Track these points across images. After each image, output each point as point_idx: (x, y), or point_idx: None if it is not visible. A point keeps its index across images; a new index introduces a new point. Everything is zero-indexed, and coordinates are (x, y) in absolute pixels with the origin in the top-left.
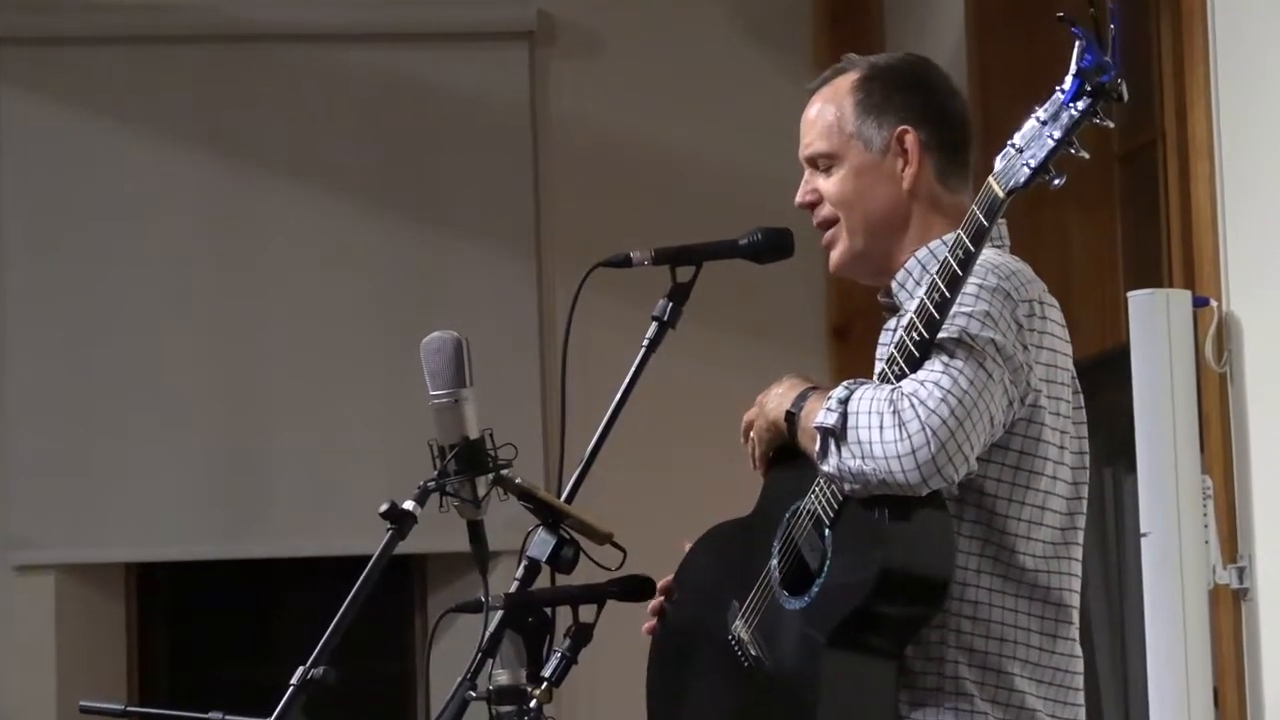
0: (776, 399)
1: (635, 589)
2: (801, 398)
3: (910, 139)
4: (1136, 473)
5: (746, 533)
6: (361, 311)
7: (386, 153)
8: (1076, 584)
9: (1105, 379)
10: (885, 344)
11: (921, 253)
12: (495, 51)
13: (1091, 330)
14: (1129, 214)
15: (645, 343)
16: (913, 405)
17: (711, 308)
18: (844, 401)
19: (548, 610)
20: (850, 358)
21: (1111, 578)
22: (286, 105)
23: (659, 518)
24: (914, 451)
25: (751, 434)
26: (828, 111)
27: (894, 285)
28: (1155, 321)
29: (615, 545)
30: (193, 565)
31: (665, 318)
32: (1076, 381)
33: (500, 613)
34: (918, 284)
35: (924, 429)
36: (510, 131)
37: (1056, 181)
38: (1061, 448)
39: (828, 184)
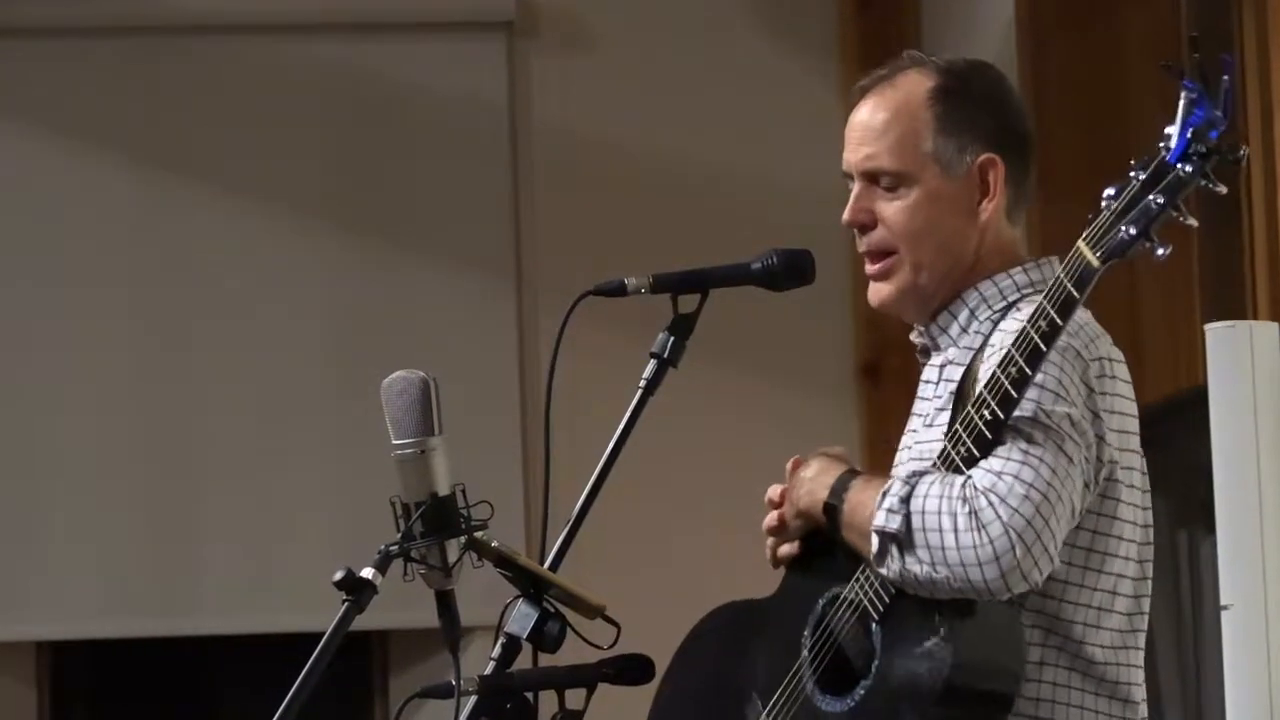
0: (807, 485)
1: (631, 670)
2: (841, 486)
3: (998, 171)
4: (1215, 536)
5: (767, 618)
6: (312, 347)
7: (341, 162)
8: (1141, 676)
9: (1179, 426)
10: (925, 398)
11: (972, 298)
12: (468, 44)
13: (1163, 369)
14: (1206, 235)
15: (642, 383)
16: (991, 504)
17: (719, 343)
18: (906, 500)
19: (529, 695)
20: (881, 400)
21: (1187, 657)
22: (223, 106)
23: (658, 588)
24: (997, 558)
25: (771, 524)
26: (898, 121)
27: (934, 327)
28: (1237, 358)
29: (608, 620)
30: (115, 644)
31: (666, 354)
32: (1139, 444)
33: (474, 698)
34: (964, 330)
35: (1007, 531)
36: (485, 136)
37: (1160, 252)
38: (1134, 524)
39: (892, 209)
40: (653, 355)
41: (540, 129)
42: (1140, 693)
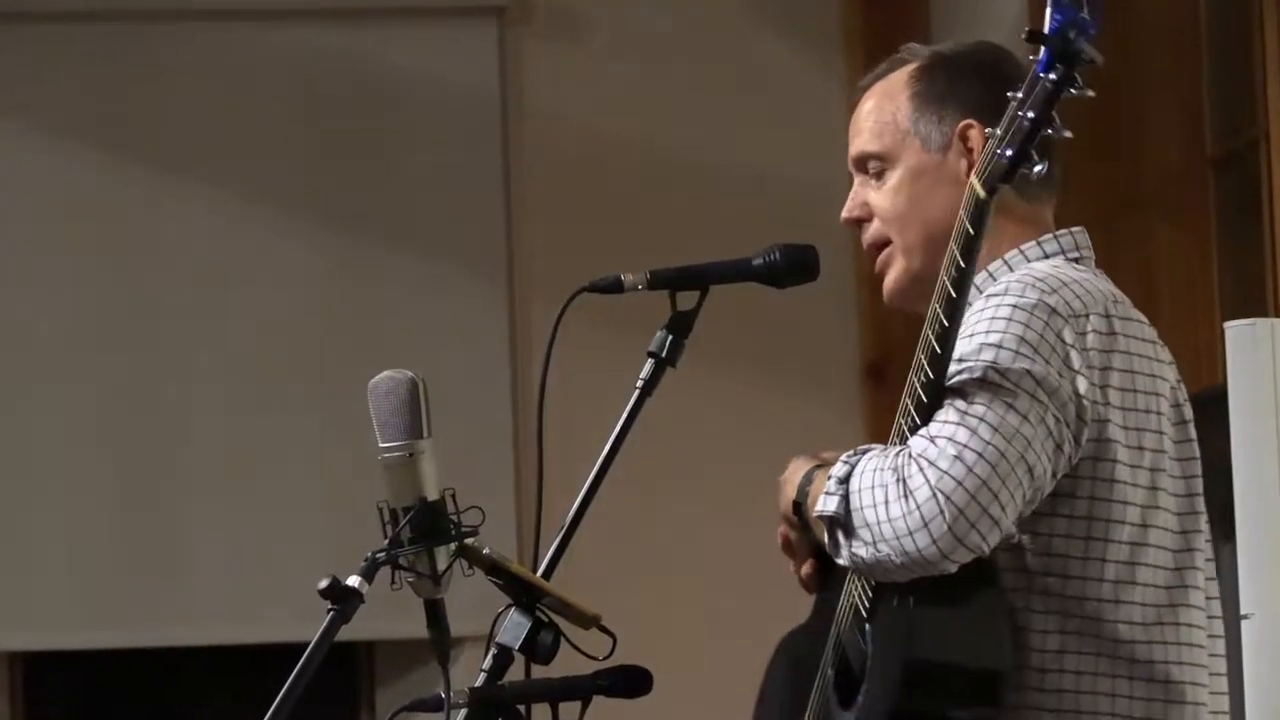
0: (783, 490)
1: (627, 682)
2: (806, 480)
3: (976, 134)
4: (1235, 543)
5: (808, 638)
6: (295, 345)
7: (325, 152)
8: (1195, 655)
9: (1197, 428)
10: None
11: (994, 265)
12: (457, 30)
13: (1181, 369)
14: (1226, 229)
15: (640, 384)
16: (920, 469)
17: (720, 342)
18: (844, 480)
19: (522, 708)
20: (888, 402)
21: None
22: (202, 96)
23: (655, 597)
24: (926, 524)
25: (779, 542)
26: (880, 104)
27: None
28: (1258, 357)
29: (603, 630)
30: (91, 655)
31: (664, 354)
32: (1184, 408)
33: (464, 711)
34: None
35: (934, 495)
36: (476, 127)
37: (1037, 169)
38: (1153, 488)
39: (879, 195)
40: (650, 354)
41: (533, 119)
42: (1184, 672)
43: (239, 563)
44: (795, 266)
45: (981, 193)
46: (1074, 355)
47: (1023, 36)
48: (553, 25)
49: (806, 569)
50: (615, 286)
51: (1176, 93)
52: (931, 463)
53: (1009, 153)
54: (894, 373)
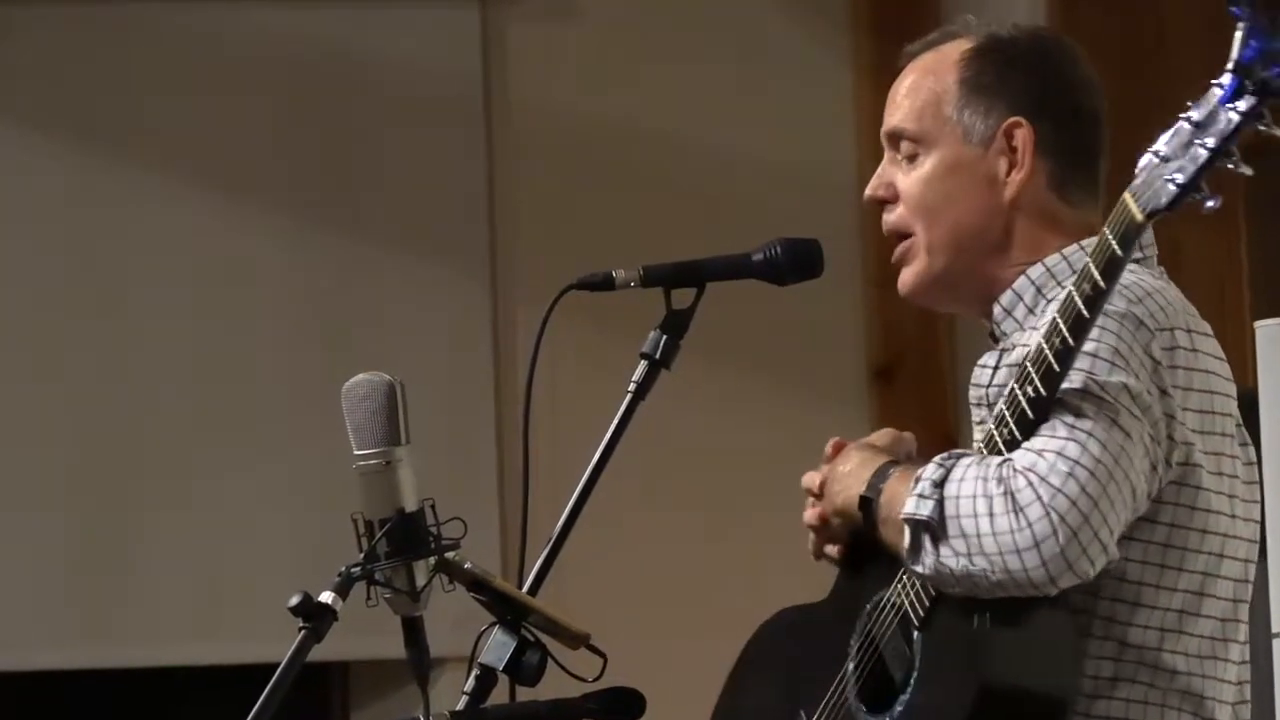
0: (843, 481)
1: (618, 705)
2: (879, 477)
3: (1023, 135)
4: (1266, 559)
5: (817, 624)
6: (264, 348)
7: (296, 144)
8: (1228, 692)
9: None
10: (981, 384)
11: (1036, 271)
12: (437, 13)
13: None
14: (1256, 221)
15: (632, 387)
16: (1030, 484)
17: (717, 342)
18: (939, 484)
19: None
20: (896, 406)
21: None
22: (166, 83)
23: (648, 614)
24: (1037, 544)
25: (812, 521)
26: (924, 82)
27: (997, 311)
28: None
29: (592, 649)
30: (44, 676)
31: (658, 355)
32: (1244, 431)
33: None
34: (1030, 310)
35: (1048, 514)
36: (458, 115)
37: (1210, 203)
38: (1232, 516)
39: (908, 180)
40: (643, 356)
41: (519, 107)
42: (1220, 711)
43: (204, 577)
44: (798, 262)
45: (1139, 215)
46: (1162, 372)
47: (1229, 65)
48: (540, 7)
49: (833, 550)
50: (606, 284)
51: (1206, 81)
52: (1043, 479)
53: (1178, 179)
54: (903, 375)
